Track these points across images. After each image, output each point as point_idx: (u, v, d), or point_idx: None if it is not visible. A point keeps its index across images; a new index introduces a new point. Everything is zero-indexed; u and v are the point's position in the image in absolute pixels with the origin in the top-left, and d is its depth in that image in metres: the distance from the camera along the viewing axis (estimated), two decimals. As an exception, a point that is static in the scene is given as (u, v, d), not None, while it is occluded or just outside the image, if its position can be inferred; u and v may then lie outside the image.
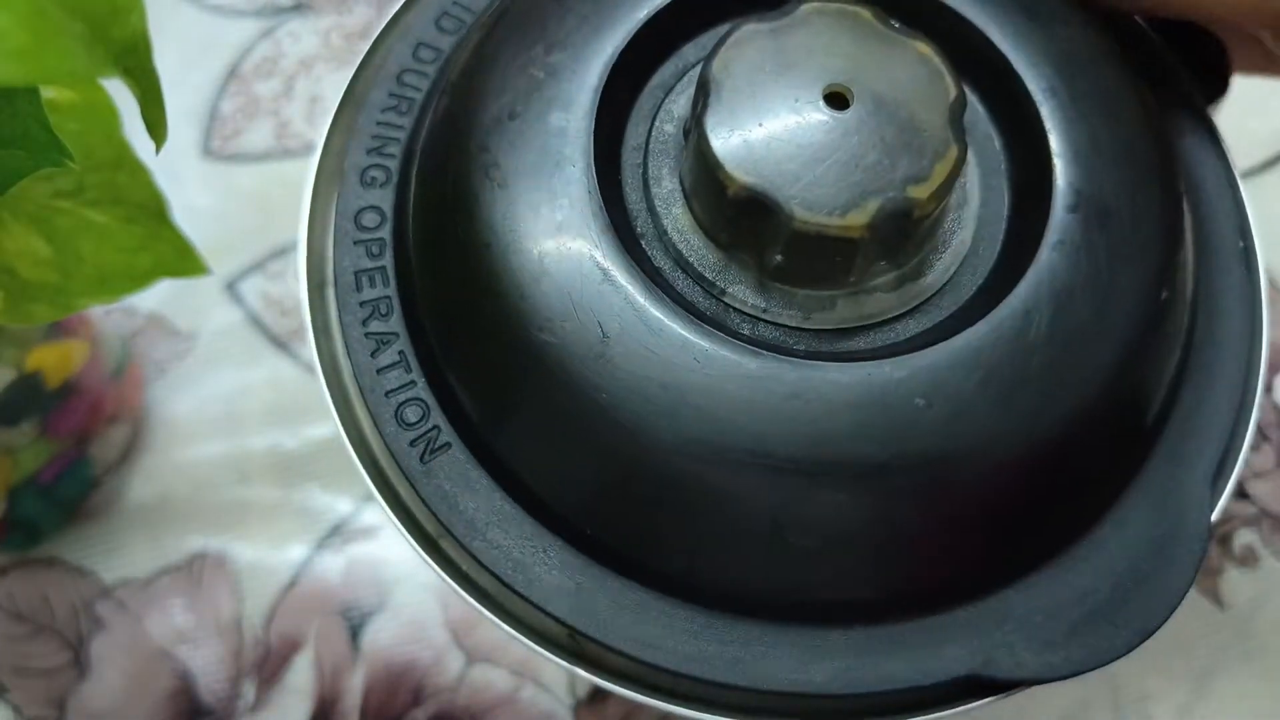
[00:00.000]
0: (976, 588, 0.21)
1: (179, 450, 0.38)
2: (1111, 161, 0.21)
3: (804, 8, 0.20)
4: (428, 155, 0.22)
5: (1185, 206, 0.22)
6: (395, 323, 0.22)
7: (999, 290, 0.20)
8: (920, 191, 0.19)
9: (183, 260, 0.27)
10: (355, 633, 0.35)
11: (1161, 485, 0.22)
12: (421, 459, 0.21)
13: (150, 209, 0.27)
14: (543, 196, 0.20)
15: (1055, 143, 0.21)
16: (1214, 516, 0.22)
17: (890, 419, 0.19)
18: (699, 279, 0.21)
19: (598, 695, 0.34)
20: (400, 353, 0.22)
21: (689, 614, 0.20)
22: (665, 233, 0.21)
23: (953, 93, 0.19)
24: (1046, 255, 0.20)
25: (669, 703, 0.21)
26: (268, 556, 0.36)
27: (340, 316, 0.22)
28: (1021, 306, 0.19)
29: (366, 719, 0.34)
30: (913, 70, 0.20)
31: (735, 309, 0.21)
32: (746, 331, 0.20)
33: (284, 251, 0.41)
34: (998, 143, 0.22)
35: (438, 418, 0.21)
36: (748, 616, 0.20)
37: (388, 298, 0.22)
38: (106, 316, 0.38)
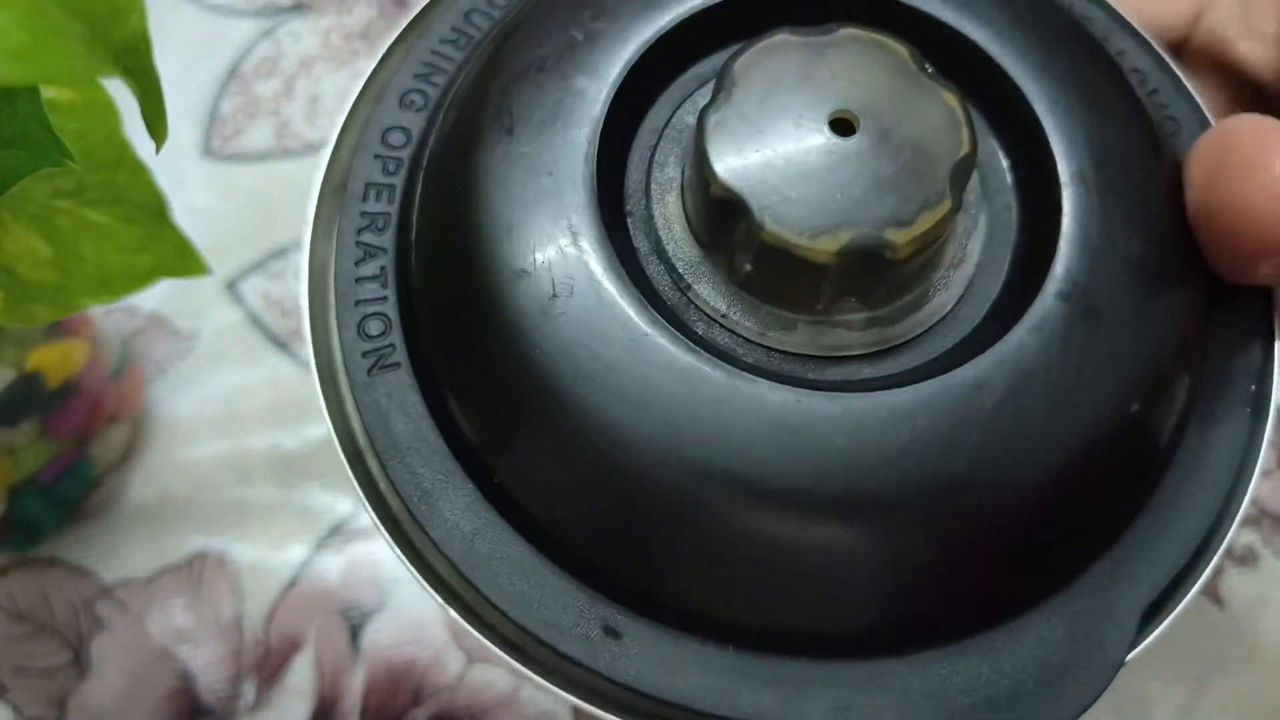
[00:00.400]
0: (862, 649, 0.20)
1: (179, 450, 0.38)
2: (1120, 264, 0.20)
3: (842, 31, 0.20)
4: (460, 91, 0.23)
5: (1195, 331, 0.21)
6: (387, 240, 0.23)
7: (960, 356, 0.20)
8: (898, 236, 0.19)
9: (183, 260, 0.27)
10: (355, 632, 0.35)
11: (1091, 603, 0.21)
12: (369, 371, 0.21)
13: (151, 209, 0.27)
14: (543, 151, 0.20)
15: (1067, 226, 0.20)
16: (1131, 655, 0.21)
17: (798, 445, 0.19)
18: (670, 269, 0.21)
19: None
20: (382, 268, 0.22)
21: (565, 583, 0.20)
22: (652, 217, 0.21)
23: (965, 149, 0.19)
24: (1018, 334, 0.19)
25: (536, 674, 0.20)
26: (268, 556, 0.36)
27: (339, 220, 0.23)
28: (974, 378, 0.19)
29: (366, 719, 0.34)
30: (932, 116, 0.19)
31: (696, 305, 0.21)
32: (699, 331, 0.20)
33: (284, 251, 0.41)
34: (1014, 215, 0.22)
35: (395, 337, 0.22)
36: (633, 605, 0.20)
37: (387, 214, 0.23)
38: (107, 316, 0.38)
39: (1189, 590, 0.21)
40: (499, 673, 0.35)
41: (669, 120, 0.22)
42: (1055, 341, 0.19)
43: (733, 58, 0.20)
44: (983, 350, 0.19)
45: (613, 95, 0.21)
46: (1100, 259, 0.20)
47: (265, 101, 0.43)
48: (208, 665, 0.35)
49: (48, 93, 0.24)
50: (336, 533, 0.36)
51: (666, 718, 0.20)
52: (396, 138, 0.23)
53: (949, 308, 0.21)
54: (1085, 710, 0.20)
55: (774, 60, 0.20)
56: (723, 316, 0.21)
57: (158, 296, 0.39)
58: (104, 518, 0.36)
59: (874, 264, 0.19)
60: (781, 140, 0.19)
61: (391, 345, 0.22)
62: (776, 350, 0.20)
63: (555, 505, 0.20)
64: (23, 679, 0.35)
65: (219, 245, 0.40)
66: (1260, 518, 0.37)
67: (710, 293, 0.21)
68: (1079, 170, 0.21)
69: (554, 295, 0.19)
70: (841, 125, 0.19)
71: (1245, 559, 0.37)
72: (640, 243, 0.21)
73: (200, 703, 0.34)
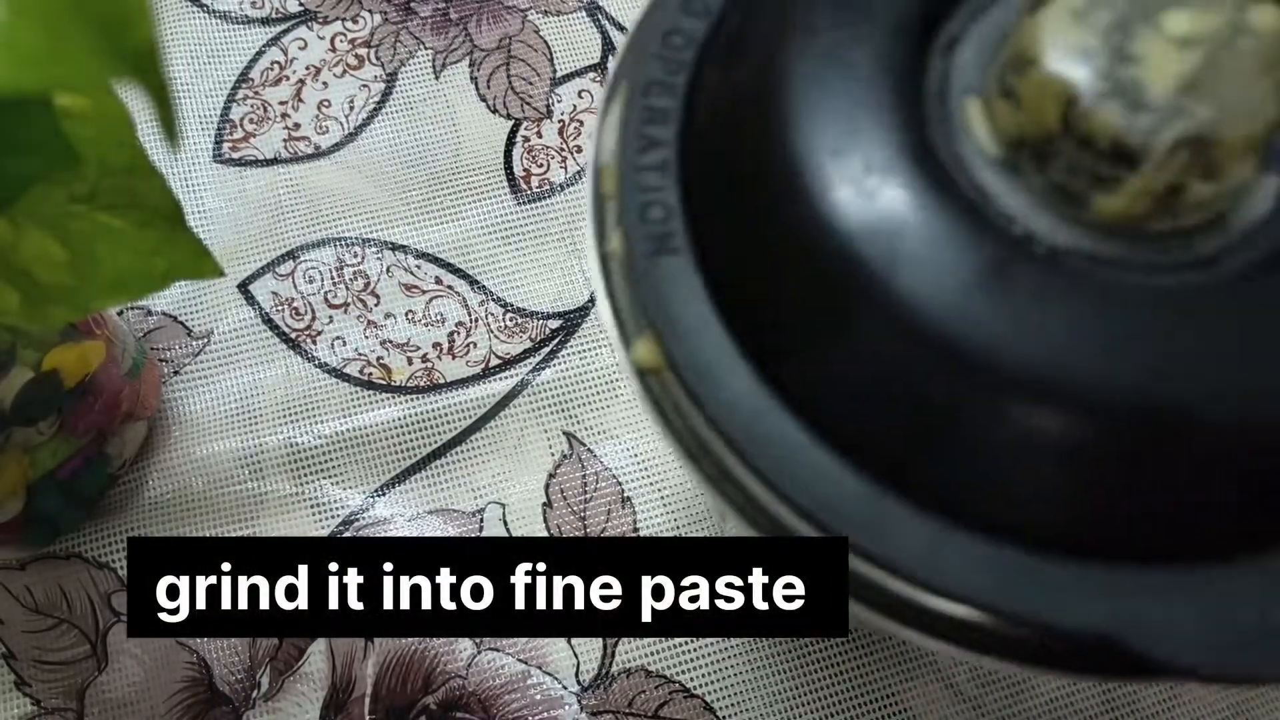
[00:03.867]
0: (1169, 554, 0.20)
1: (194, 447, 0.38)
2: None
3: None
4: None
5: None
6: (669, 133, 0.23)
7: (1258, 270, 0.20)
8: (1231, 135, 0.19)
9: (197, 263, 0.28)
10: (367, 624, 0.35)
11: None
12: (651, 254, 0.22)
13: (165, 213, 0.27)
14: (845, 44, 0.21)
15: None
16: None
17: (1097, 329, 0.19)
18: (966, 170, 0.21)
19: (602, 680, 0.35)
20: (664, 160, 0.23)
21: (843, 470, 0.20)
22: (950, 118, 0.21)
23: None
24: None
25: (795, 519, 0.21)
26: (281, 550, 0.37)
27: (625, 114, 0.24)
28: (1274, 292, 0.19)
29: (379, 705, 0.35)
30: (1264, 25, 0.19)
31: (995, 206, 0.21)
32: (1001, 224, 0.21)
33: (293, 253, 0.41)
34: None
35: (676, 224, 0.22)
36: (912, 495, 0.20)
37: (669, 109, 0.23)
38: (123, 316, 0.39)
39: None
40: (509, 658, 0.35)
41: (966, 29, 0.22)
42: None
43: None
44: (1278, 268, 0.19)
45: None
46: None
47: (274, 107, 0.43)
48: (223, 655, 0.35)
49: (62, 100, 0.24)
50: (348, 526, 0.37)
51: (933, 609, 0.20)
52: (677, 40, 0.24)
53: (1251, 225, 0.21)
54: None
55: None
56: (1022, 216, 0.21)
57: (172, 297, 0.40)
58: (121, 513, 0.37)
59: (1196, 165, 0.19)
60: (1114, 36, 0.19)
61: (672, 231, 0.22)
62: (1075, 252, 0.20)
63: (841, 390, 0.20)
64: (42, 671, 0.35)
65: (231, 247, 0.41)
66: None
67: (1007, 194, 0.21)
68: None
69: (869, 173, 0.20)
70: (1174, 24, 0.19)
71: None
72: (940, 141, 0.21)
73: (216, 692, 0.35)
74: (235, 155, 0.43)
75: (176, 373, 0.39)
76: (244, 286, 0.41)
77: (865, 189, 0.20)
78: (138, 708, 0.35)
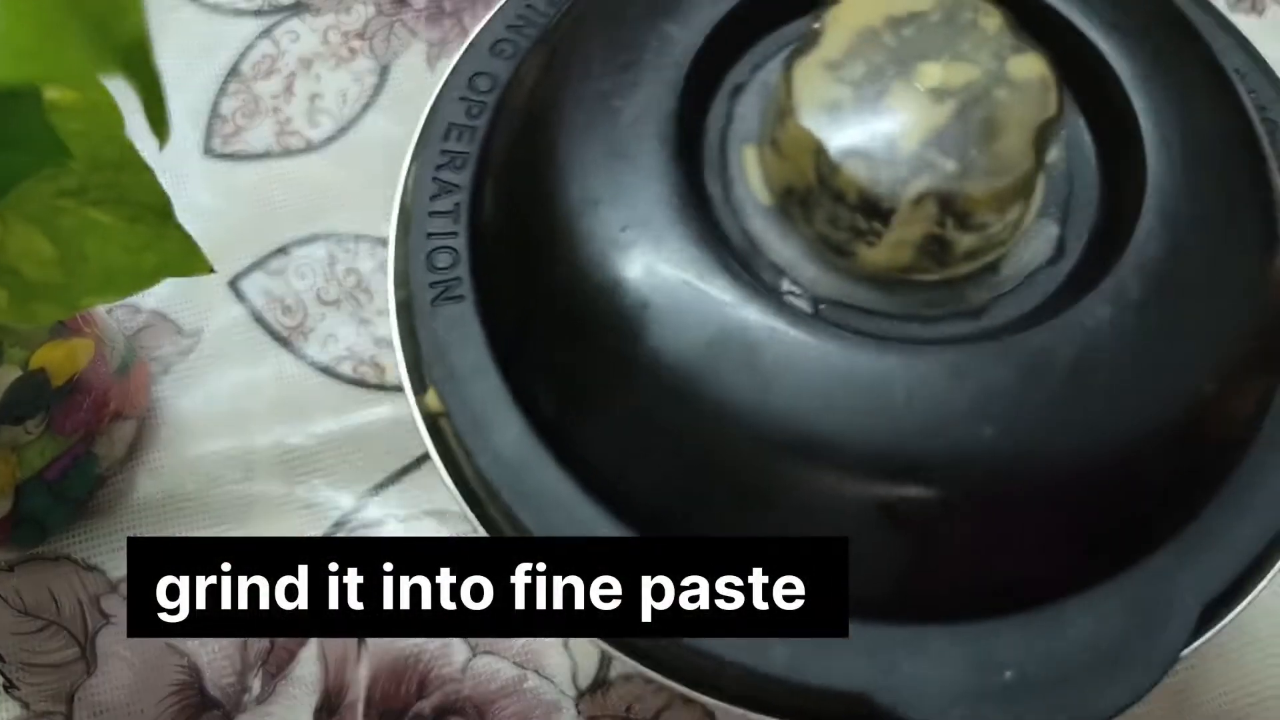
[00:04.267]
0: (907, 612, 0.20)
1: (184, 447, 0.38)
2: (1203, 242, 0.20)
3: None
4: (546, 36, 0.23)
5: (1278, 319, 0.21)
6: (464, 178, 0.23)
7: (1031, 320, 0.19)
8: (975, 188, 0.18)
9: (187, 259, 0.27)
10: (360, 626, 0.35)
11: (1151, 591, 0.20)
12: (433, 301, 0.22)
13: (155, 208, 0.27)
14: (625, 90, 0.21)
15: (1150, 198, 0.20)
16: (1188, 651, 0.20)
17: (855, 396, 0.18)
18: (739, 216, 0.21)
19: (600, 685, 0.35)
20: (456, 204, 0.23)
21: (605, 522, 0.20)
22: (727, 166, 0.21)
23: (1051, 111, 0.19)
24: (1092, 303, 0.19)
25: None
26: (273, 551, 0.36)
27: (419, 155, 0.23)
28: (1043, 343, 0.19)
29: (372, 710, 0.34)
30: (1020, 78, 0.19)
31: (763, 254, 0.21)
32: (765, 278, 0.20)
33: (285, 249, 0.41)
34: (1097, 185, 0.21)
35: (463, 270, 0.22)
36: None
37: (467, 154, 0.23)
38: (111, 315, 0.38)
39: (1255, 588, 0.20)
40: (504, 662, 0.35)
41: (752, 76, 0.22)
42: (1129, 314, 0.19)
43: (824, 6, 0.20)
44: (1054, 316, 0.19)
45: (700, 44, 0.21)
46: (1181, 235, 0.20)
47: (265, 101, 0.43)
48: (214, 659, 0.35)
49: (50, 93, 0.24)
50: (340, 527, 0.37)
51: (698, 667, 0.20)
52: (483, 83, 0.24)
53: (1026, 273, 0.21)
54: (1132, 704, 0.19)
55: (864, 11, 0.20)
56: (791, 267, 0.20)
57: (161, 295, 0.40)
58: (110, 514, 0.37)
59: (948, 217, 0.19)
60: (866, 88, 0.19)
61: (458, 278, 0.22)
62: (841, 304, 0.20)
63: (603, 441, 0.20)
64: (30, 674, 0.35)
65: (221, 243, 0.40)
66: None
67: (780, 243, 0.21)
68: (1164, 143, 0.20)
69: (625, 227, 0.20)
70: (928, 78, 0.19)
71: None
72: (714, 189, 0.21)
73: (207, 696, 0.34)
74: (226, 150, 0.42)
75: (166, 371, 0.39)
76: (234, 283, 0.40)
77: (621, 241, 0.19)
78: (127, 711, 0.34)
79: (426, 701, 0.34)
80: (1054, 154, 0.21)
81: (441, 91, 0.24)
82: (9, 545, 0.35)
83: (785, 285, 0.20)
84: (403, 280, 0.23)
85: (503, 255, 0.22)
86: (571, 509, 0.20)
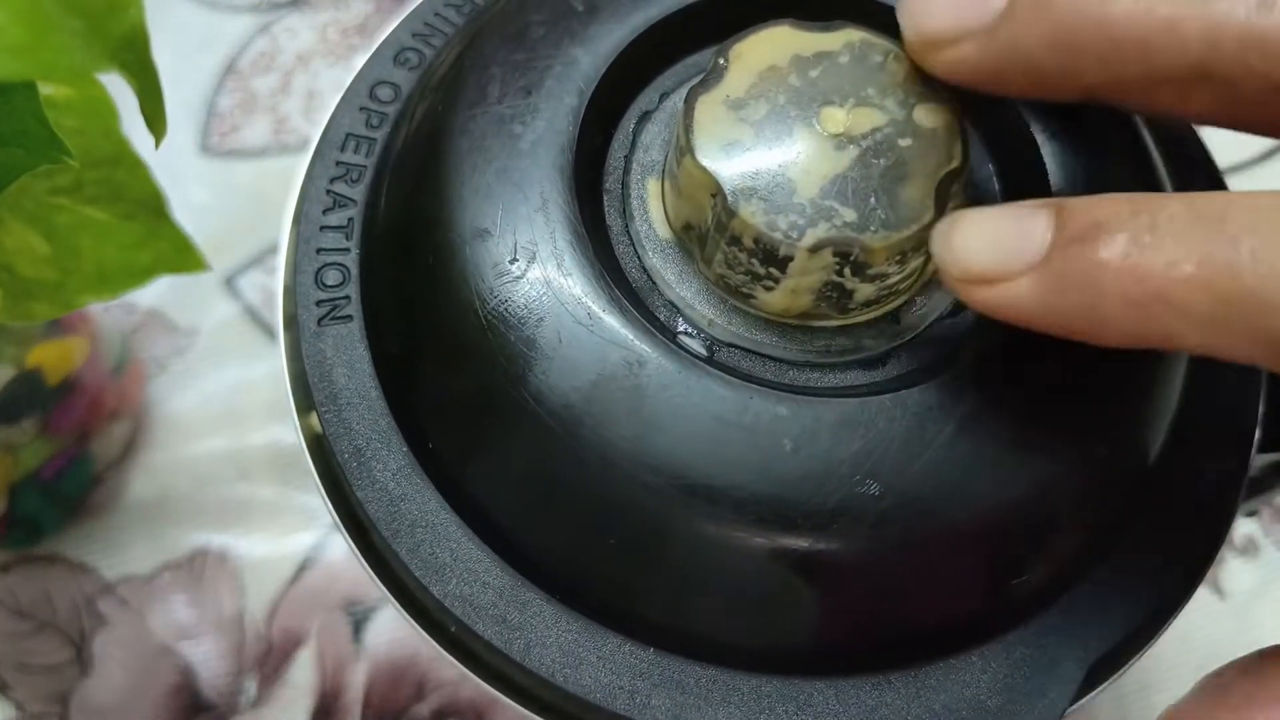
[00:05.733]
0: (786, 667, 0.19)
1: (180, 446, 0.38)
2: None
3: (845, 30, 0.19)
4: (450, 50, 0.22)
5: (1171, 391, 0.21)
6: (359, 192, 0.22)
7: (925, 374, 0.19)
8: (874, 241, 0.18)
9: (182, 257, 0.27)
10: (357, 628, 0.35)
11: (1035, 652, 0.20)
12: (319, 321, 0.21)
13: (149, 205, 0.27)
14: (525, 114, 0.20)
15: None
16: (1072, 709, 0.20)
17: (741, 444, 0.18)
18: (638, 251, 0.20)
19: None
20: (349, 219, 0.22)
21: (489, 560, 0.20)
22: (628, 197, 0.21)
23: (955, 163, 0.19)
24: (986, 360, 0.19)
25: (442, 648, 0.20)
26: (269, 552, 0.36)
27: (313, 167, 0.22)
28: (933, 398, 0.18)
29: (369, 714, 0.34)
30: (926, 125, 0.19)
31: (660, 291, 0.20)
32: (661, 317, 0.20)
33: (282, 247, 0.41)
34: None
35: (352, 290, 0.21)
36: (555, 590, 0.19)
37: (363, 167, 0.22)
38: (106, 313, 0.38)
39: (1142, 647, 0.21)
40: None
41: (660, 104, 0.22)
42: (1025, 369, 0.19)
43: (730, 41, 0.19)
44: (949, 370, 0.19)
45: (604, 70, 0.20)
46: None
47: (262, 97, 0.43)
48: (209, 661, 0.35)
49: (45, 89, 0.24)
50: (334, 527, 0.36)
51: (572, 713, 0.20)
52: (385, 92, 0.23)
53: (925, 324, 0.20)
54: None
55: (771, 49, 0.19)
56: (687, 306, 0.20)
57: (156, 293, 0.39)
58: (105, 515, 0.36)
59: (846, 267, 0.18)
60: (768, 130, 0.19)
61: (347, 297, 0.21)
62: (736, 347, 0.20)
63: (487, 477, 0.20)
64: (25, 676, 0.34)
65: (217, 241, 0.40)
66: (1259, 508, 0.37)
67: (677, 281, 0.20)
68: (1070, 191, 0.20)
69: (514, 258, 0.19)
70: (831, 122, 0.19)
71: (1246, 549, 0.37)
72: (613, 221, 0.21)
73: (202, 699, 0.34)
74: (223, 147, 0.42)
75: (162, 370, 0.39)
76: (230, 281, 0.40)
77: (509, 274, 0.19)
78: (122, 713, 0.34)
79: (424, 704, 0.34)
80: (956, 204, 0.20)
81: (342, 100, 0.23)
82: (3, 546, 0.35)
83: (681, 325, 0.20)
84: (291, 295, 0.22)
85: (391, 278, 0.21)
86: (454, 546, 0.20)
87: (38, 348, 0.31)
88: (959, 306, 0.20)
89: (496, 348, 0.19)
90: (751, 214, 0.18)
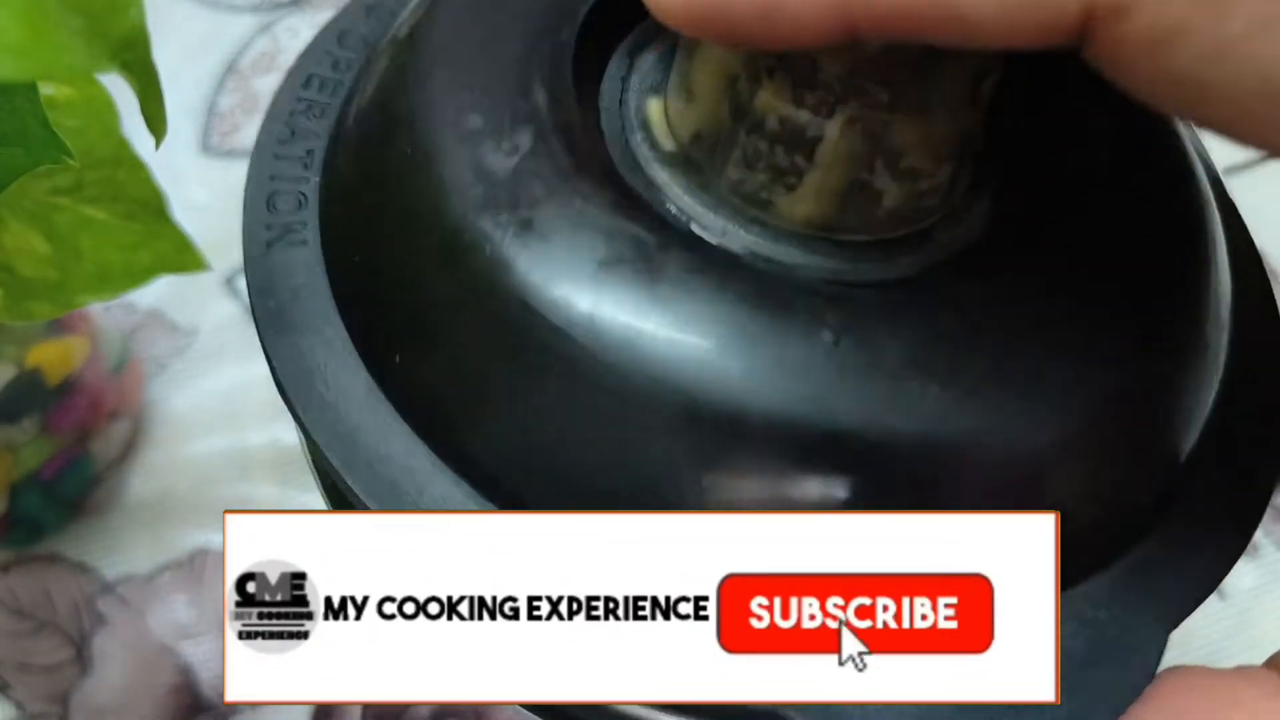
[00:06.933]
0: None
1: (180, 446, 0.38)
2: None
3: None
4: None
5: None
6: (321, 126, 0.21)
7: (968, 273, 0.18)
8: (907, 121, 0.17)
9: (182, 256, 0.27)
10: (357, 627, 0.35)
11: (1113, 603, 0.19)
12: (268, 244, 0.20)
13: (150, 205, 0.27)
14: (520, 19, 0.19)
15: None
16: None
17: (728, 331, 0.16)
18: (634, 159, 0.19)
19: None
20: (309, 151, 0.21)
21: (452, 486, 0.18)
22: (627, 112, 0.19)
23: (993, 64, 0.17)
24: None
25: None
26: (269, 552, 0.36)
27: (275, 97, 0.22)
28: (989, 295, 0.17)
29: (369, 714, 0.34)
30: None
31: (658, 188, 0.19)
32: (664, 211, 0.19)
33: (283, 247, 0.41)
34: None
35: (309, 215, 0.20)
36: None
37: (327, 104, 0.22)
38: (106, 313, 0.38)
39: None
40: (501, 667, 0.35)
41: (658, 34, 0.20)
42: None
43: None
44: (999, 275, 0.17)
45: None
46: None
47: (263, 97, 0.43)
48: (210, 661, 0.35)
49: (46, 89, 0.24)
50: (337, 528, 0.36)
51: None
52: (352, 40, 0.22)
53: (958, 248, 0.19)
54: None
55: None
56: (700, 215, 0.18)
57: (156, 293, 0.39)
58: (105, 514, 0.36)
59: (877, 158, 0.17)
60: None
61: (303, 222, 0.20)
62: (758, 255, 0.18)
63: (454, 391, 0.18)
64: (25, 675, 0.34)
65: (217, 241, 0.40)
66: (1260, 507, 0.37)
67: (686, 192, 0.18)
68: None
69: (509, 143, 0.18)
70: None
71: (1246, 549, 0.37)
72: (614, 137, 0.19)
73: (202, 698, 0.34)
74: (223, 147, 0.42)
75: (162, 370, 0.39)
76: (230, 281, 0.40)
77: (499, 156, 0.17)
78: (122, 713, 0.34)
79: (424, 705, 0.34)
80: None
81: (305, 50, 0.22)
82: (3, 546, 0.35)
83: (695, 229, 0.18)
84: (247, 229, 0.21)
85: (360, 191, 0.20)
86: (419, 474, 0.18)
87: (38, 347, 0.31)
88: (994, 229, 0.19)
89: (483, 236, 0.17)
90: (778, 89, 0.17)
